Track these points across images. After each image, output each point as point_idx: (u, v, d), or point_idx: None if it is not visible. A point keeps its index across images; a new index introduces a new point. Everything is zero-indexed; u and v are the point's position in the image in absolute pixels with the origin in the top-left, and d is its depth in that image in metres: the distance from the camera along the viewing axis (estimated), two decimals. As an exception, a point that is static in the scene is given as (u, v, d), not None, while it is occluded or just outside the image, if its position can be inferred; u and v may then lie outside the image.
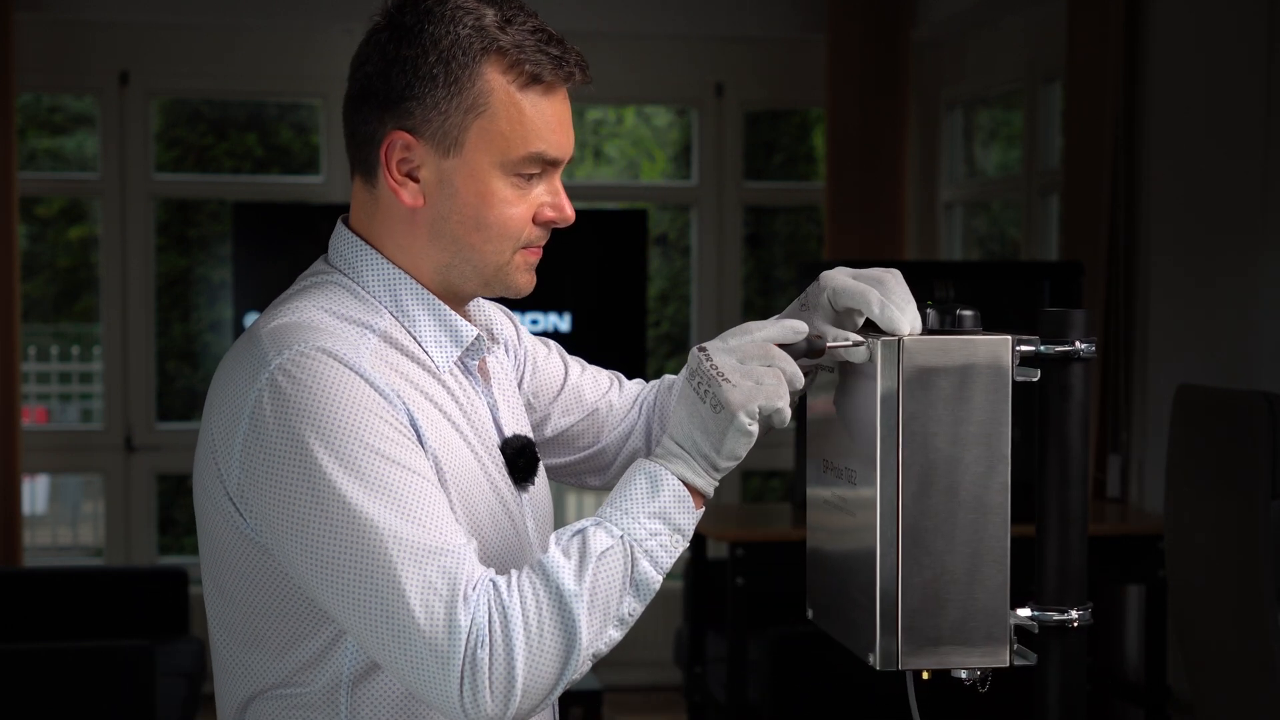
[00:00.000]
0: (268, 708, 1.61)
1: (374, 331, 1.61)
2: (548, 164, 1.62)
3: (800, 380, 1.52)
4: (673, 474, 1.52)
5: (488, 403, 1.71)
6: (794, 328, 1.53)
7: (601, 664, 6.12)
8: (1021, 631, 1.51)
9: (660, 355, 6.76)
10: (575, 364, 1.94)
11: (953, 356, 1.47)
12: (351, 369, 1.53)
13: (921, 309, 1.54)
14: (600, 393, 1.93)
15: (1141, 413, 4.75)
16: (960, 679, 1.52)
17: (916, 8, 6.00)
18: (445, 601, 1.46)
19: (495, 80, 1.58)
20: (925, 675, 1.52)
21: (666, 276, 6.73)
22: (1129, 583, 4.72)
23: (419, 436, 1.56)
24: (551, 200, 1.64)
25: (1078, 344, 1.49)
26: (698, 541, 4.93)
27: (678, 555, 1.54)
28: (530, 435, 1.74)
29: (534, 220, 1.64)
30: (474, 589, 1.47)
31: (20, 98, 5.97)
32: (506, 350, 1.85)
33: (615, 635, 1.52)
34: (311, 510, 1.49)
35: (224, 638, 1.63)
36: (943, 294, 4.59)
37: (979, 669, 1.50)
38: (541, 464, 1.78)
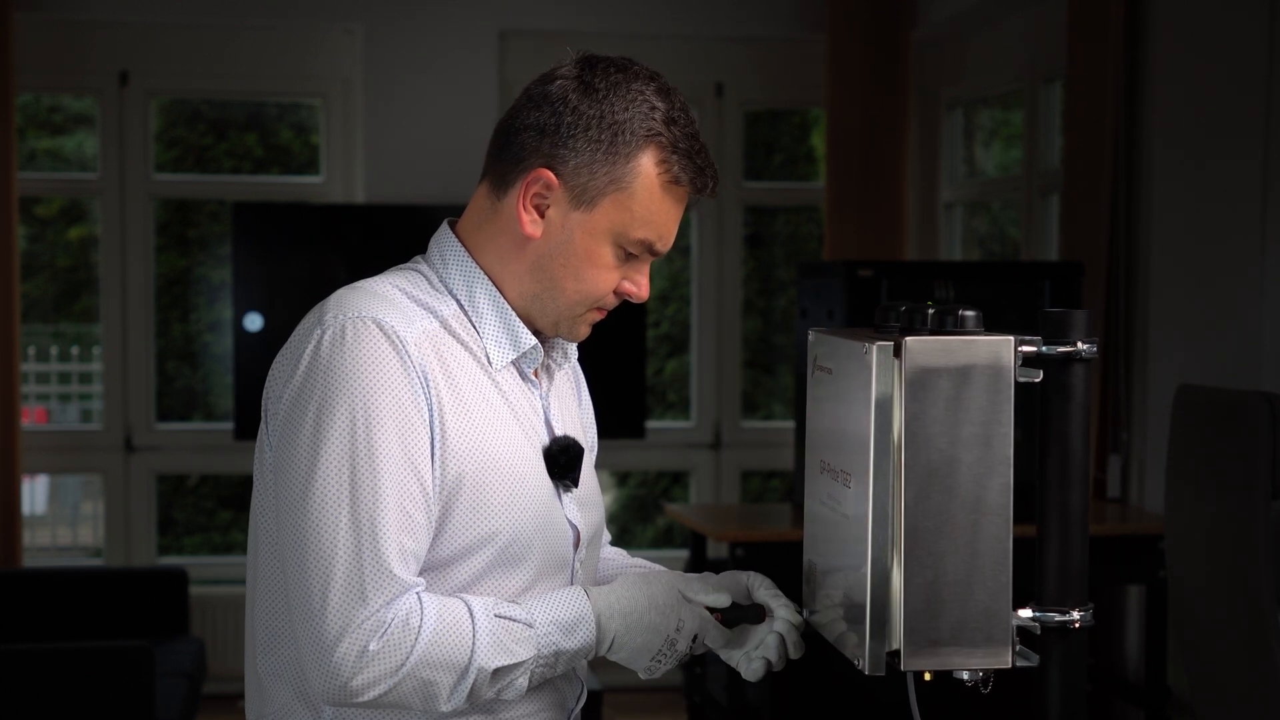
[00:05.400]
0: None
1: (436, 317, 1.75)
2: (650, 252, 1.79)
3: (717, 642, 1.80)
4: (597, 626, 1.75)
5: (543, 405, 1.84)
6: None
7: (602, 664, 6.10)
8: (1023, 632, 1.51)
9: (660, 355, 6.76)
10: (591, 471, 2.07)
11: (954, 357, 1.47)
12: (394, 342, 1.67)
13: (922, 309, 1.54)
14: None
15: (1141, 413, 4.75)
16: (962, 680, 1.52)
17: (916, 8, 6.00)
18: (353, 604, 1.63)
19: (647, 166, 1.76)
20: (927, 676, 1.51)
21: (666, 276, 6.72)
22: (1129, 583, 4.72)
23: (441, 418, 1.69)
24: (636, 279, 1.81)
25: (1079, 344, 1.49)
26: (698, 541, 4.92)
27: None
28: (582, 444, 1.86)
29: (614, 289, 1.81)
30: (388, 603, 1.64)
31: (20, 98, 5.96)
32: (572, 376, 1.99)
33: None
34: (306, 457, 1.65)
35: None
36: (943, 294, 4.59)
37: (981, 670, 1.50)
38: (588, 465, 1.92)
